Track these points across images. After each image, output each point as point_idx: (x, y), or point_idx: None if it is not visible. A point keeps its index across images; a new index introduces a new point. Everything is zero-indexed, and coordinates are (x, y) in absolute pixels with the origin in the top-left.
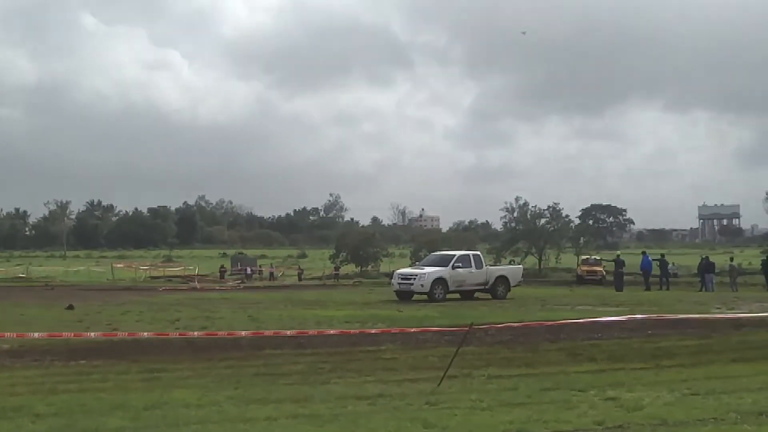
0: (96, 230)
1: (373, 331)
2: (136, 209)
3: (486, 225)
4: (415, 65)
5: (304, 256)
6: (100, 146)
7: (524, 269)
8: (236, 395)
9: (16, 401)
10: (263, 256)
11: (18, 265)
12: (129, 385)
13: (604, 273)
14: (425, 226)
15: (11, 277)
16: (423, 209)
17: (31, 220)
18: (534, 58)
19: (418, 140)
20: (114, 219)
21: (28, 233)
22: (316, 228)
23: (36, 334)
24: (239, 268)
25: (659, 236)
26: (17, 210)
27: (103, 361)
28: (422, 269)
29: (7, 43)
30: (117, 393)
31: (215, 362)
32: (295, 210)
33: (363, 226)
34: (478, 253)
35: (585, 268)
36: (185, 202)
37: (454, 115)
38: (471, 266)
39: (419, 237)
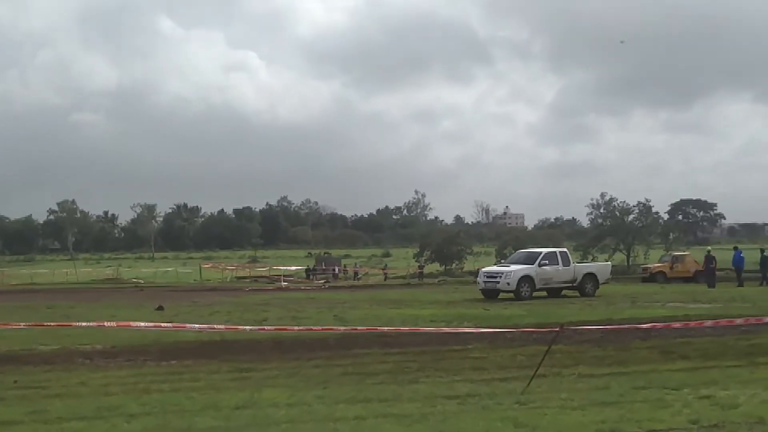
0: (182, 232)
1: (461, 330)
2: (222, 211)
3: (571, 222)
4: (495, 61)
5: (387, 255)
6: (182, 149)
7: (612, 266)
8: (325, 395)
9: (111, 401)
10: (347, 256)
11: (108, 267)
12: (219, 384)
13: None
14: (509, 223)
15: (102, 279)
16: (507, 207)
17: (120, 222)
18: (618, 51)
19: (500, 137)
20: (200, 221)
21: (117, 236)
22: (399, 227)
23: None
24: (324, 267)
25: (751, 231)
26: (106, 213)
27: (194, 361)
28: (508, 267)
29: (87, 48)
30: (208, 392)
31: (303, 362)
32: (378, 209)
33: (446, 225)
34: (565, 250)
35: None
36: (268, 203)
37: (536, 111)
38: (558, 263)
39: (504, 235)
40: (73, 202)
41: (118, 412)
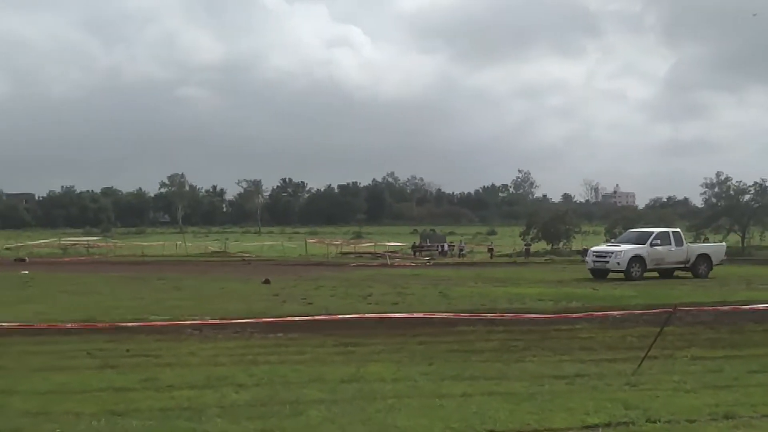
0: (288, 207)
1: (573, 316)
2: (328, 186)
3: (684, 201)
4: (605, 34)
5: (493, 233)
6: (286, 124)
7: (726, 247)
8: (430, 371)
9: (220, 371)
10: (452, 233)
11: (216, 240)
12: (325, 358)
13: None
14: (619, 202)
15: (210, 252)
16: (617, 185)
17: (228, 197)
18: (736, 25)
19: (610, 113)
20: (305, 196)
21: (224, 210)
22: (505, 205)
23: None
24: (429, 244)
25: None
26: (214, 188)
27: (300, 335)
28: (618, 246)
29: (192, 23)
30: (314, 366)
31: (408, 338)
32: (483, 186)
33: (554, 203)
34: (678, 230)
35: None
36: (374, 179)
37: (648, 86)
38: (670, 244)
39: (613, 214)
40: (182, 176)
41: (227, 382)
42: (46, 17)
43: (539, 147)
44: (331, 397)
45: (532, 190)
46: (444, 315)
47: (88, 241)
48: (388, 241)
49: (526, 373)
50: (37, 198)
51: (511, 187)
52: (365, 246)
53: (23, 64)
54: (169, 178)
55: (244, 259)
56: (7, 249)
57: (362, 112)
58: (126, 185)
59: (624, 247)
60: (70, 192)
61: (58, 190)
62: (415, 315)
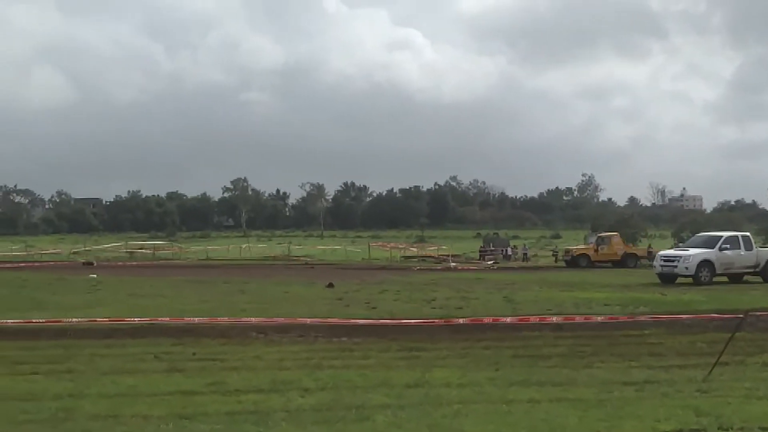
0: (351, 211)
1: (641, 318)
2: (390, 190)
3: (753, 205)
4: (670, 35)
5: (557, 236)
6: (347, 127)
7: None
8: (496, 376)
9: (286, 375)
10: (516, 237)
11: (279, 244)
12: (390, 363)
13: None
14: (686, 206)
15: (273, 256)
16: (684, 188)
17: (291, 201)
18: None
19: (675, 114)
20: (367, 200)
21: (287, 214)
22: (569, 208)
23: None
24: (492, 248)
25: None
26: (277, 191)
27: (364, 339)
28: (686, 251)
29: (253, 28)
30: (379, 370)
31: (473, 342)
32: (547, 190)
33: (619, 206)
34: (747, 234)
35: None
36: (436, 183)
37: (713, 88)
38: (740, 248)
39: (680, 217)
40: (245, 180)
41: (292, 386)
42: (110, 24)
43: (603, 149)
44: (397, 402)
45: (597, 193)
46: (510, 319)
47: (154, 245)
48: (451, 245)
49: (594, 379)
50: (104, 202)
51: (575, 190)
52: (430, 249)
53: (88, 70)
54: (233, 182)
55: (307, 263)
56: (74, 253)
57: (423, 115)
58: (190, 189)
59: (692, 251)
60: (136, 196)
61: (124, 194)
62: (481, 319)
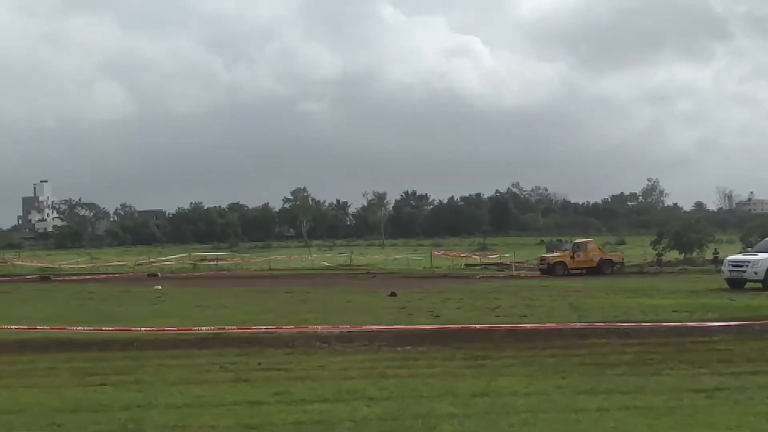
0: (412, 219)
1: (710, 325)
2: (451, 198)
3: None
4: (734, 37)
5: (622, 242)
6: (407, 136)
7: None
8: (564, 384)
9: (350, 384)
10: None
11: (341, 253)
12: (455, 371)
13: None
14: (754, 210)
15: (335, 265)
16: (752, 192)
17: (351, 210)
18: None
19: (741, 117)
20: (428, 208)
21: (348, 223)
22: (634, 214)
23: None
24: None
25: None
26: (338, 201)
27: (428, 348)
28: (755, 255)
29: (310, 38)
30: (445, 379)
31: (539, 351)
32: (611, 195)
33: (685, 211)
34: None
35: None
36: (497, 190)
37: None
38: None
39: (748, 222)
40: (305, 189)
41: (357, 396)
42: (169, 37)
43: (668, 154)
44: (463, 411)
45: (662, 198)
46: (576, 326)
47: (216, 256)
48: (514, 252)
49: (663, 386)
50: (166, 214)
51: (639, 195)
52: (491, 257)
53: (148, 83)
54: (293, 192)
55: (369, 272)
56: (138, 265)
57: (483, 122)
58: (252, 200)
59: (761, 256)
60: (199, 208)
61: (186, 206)
62: (546, 326)
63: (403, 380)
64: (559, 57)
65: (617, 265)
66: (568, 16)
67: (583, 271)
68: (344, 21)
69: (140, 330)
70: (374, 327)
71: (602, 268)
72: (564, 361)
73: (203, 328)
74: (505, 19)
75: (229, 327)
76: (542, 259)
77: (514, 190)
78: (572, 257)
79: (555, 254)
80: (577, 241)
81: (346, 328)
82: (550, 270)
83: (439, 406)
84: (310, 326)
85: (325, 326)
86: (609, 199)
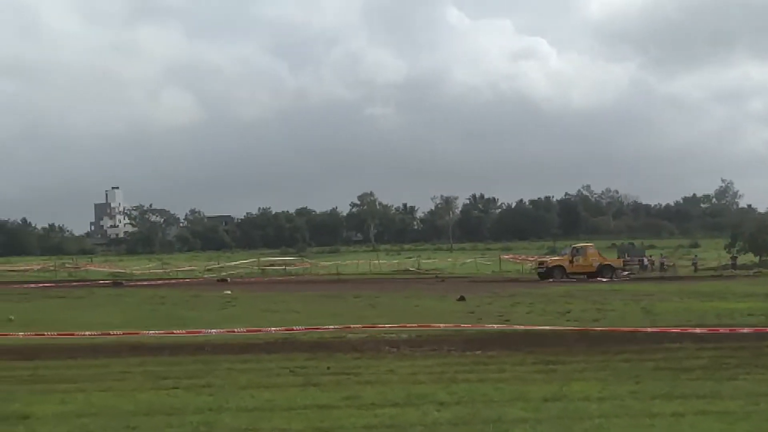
0: (480, 223)
1: None
2: (520, 201)
3: None
4: None
5: (695, 245)
6: (474, 139)
7: None
8: (638, 389)
9: (420, 389)
10: (651, 246)
11: (408, 257)
12: (526, 376)
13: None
14: None
15: (403, 270)
16: None
17: (419, 214)
18: None
19: None
20: (497, 211)
21: (416, 227)
22: (707, 216)
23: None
24: (627, 258)
25: None
26: (405, 205)
27: (498, 352)
28: None
29: (375, 42)
30: (515, 384)
31: (611, 355)
32: (684, 197)
33: (761, 213)
34: None
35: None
36: (566, 193)
37: None
38: None
39: None
40: (371, 194)
41: (427, 400)
42: (235, 44)
43: (742, 154)
44: (535, 416)
45: (736, 200)
46: (650, 330)
47: (284, 260)
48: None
49: (739, 391)
50: (235, 220)
51: (713, 197)
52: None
53: (214, 89)
54: (360, 197)
55: (437, 276)
56: (208, 270)
57: (551, 124)
58: (319, 205)
59: None
60: (267, 213)
61: (254, 211)
62: (619, 329)
63: (473, 385)
64: (628, 57)
65: (617, 270)
66: (637, 15)
67: (583, 275)
68: (409, 24)
69: (210, 332)
70: (442, 325)
71: (602, 273)
72: (638, 365)
73: (272, 328)
74: (572, 20)
75: (298, 327)
76: (541, 263)
77: (584, 192)
78: (571, 261)
79: (554, 258)
80: (576, 245)
81: (414, 326)
82: (548, 273)
83: (510, 410)
84: (379, 325)
85: (393, 324)
86: (681, 201)
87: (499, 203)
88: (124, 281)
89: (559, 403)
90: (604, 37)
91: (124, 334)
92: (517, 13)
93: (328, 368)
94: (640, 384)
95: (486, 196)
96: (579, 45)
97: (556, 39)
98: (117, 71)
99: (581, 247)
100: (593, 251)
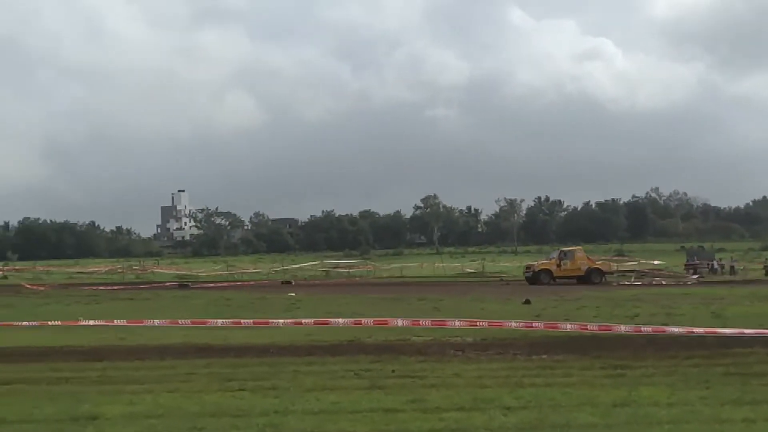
0: (545, 225)
1: None
2: (587, 203)
3: None
4: None
5: (766, 248)
6: (539, 141)
7: None
8: (708, 395)
9: (486, 393)
10: (721, 249)
11: (472, 260)
12: (594, 381)
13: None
14: None
15: (466, 273)
16: None
17: (483, 217)
18: None
19: None
20: (562, 214)
21: (480, 230)
22: None
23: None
24: (696, 261)
25: None
26: (469, 208)
27: (564, 356)
28: None
29: (438, 44)
30: (583, 388)
31: (680, 360)
32: (754, 200)
33: None
34: None
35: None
36: (634, 195)
37: None
38: None
39: None
40: (435, 197)
41: (494, 405)
42: (298, 47)
43: None
44: (603, 421)
45: None
46: (719, 334)
47: (348, 263)
48: (652, 259)
49: None
50: (299, 222)
51: None
52: (629, 264)
53: (277, 92)
54: (423, 199)
55: (501, 279)
56: (273, 272)
57: (618, 125)
58: (382, 207)
59: None
60: (330, 216)
61: (318, 214)
62: (688, 333)
63: (540, 389)
64: (696, 57)
65: (606, 275)
66: (705, 15)
67: (573, 280)
68: (471, 25)
69: (278, 323)
70: (513, 323)
71: (591, 277)
72: (707, 370)
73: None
74: (638, 20)
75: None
76: (528, 267)
77: (653, 194)
78: (558, 265)
79: (541, 261)
80: (564, 249)
81: (483, 324)
82: (535, 278)
83: (578, 415)
84: (448, 320)
85: (461, 319)
86: (752, 204)
87: (564, 205)
88: (190, 283)
89: (628, 409)
90: (671, 37)
91: (192, 323)
92: (581, 13)
93: (393, 371)
94: (709, 389)
95: (551, 199)
96: (645, 45)
97: (621, 39)
98: (181, 75)
99: (569, 251)
100: (582, 255)
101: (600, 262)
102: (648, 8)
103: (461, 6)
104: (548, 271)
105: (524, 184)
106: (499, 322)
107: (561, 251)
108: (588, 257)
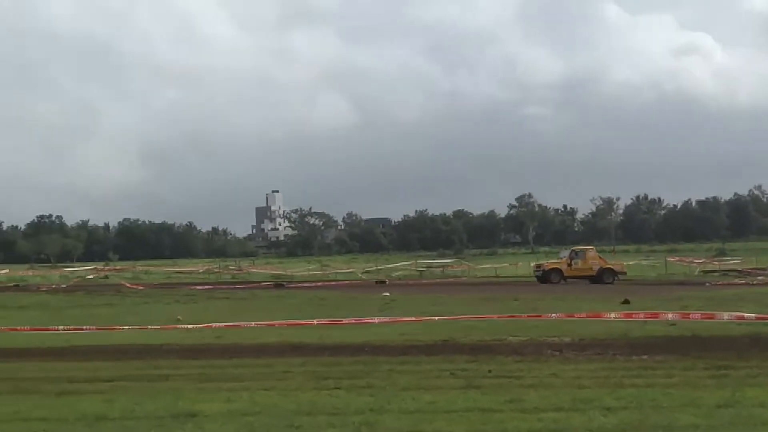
0: (644, 224)
1: None
2: (687, 201)
3: None
4: None
5: None
6: (636, 138)
7: None
8: None
9: (585, 394)
10: None
11: None
12: (696, 381)
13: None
14: None
15: None
16: None
17: (579, 216)
18: None
19: None
20: (662, 213)
21: (576, 229)
22: None
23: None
24: None
25: None
26: (565, 207)
27: (665, 357)
28: None
29: (530, 42)
30: (685, 389)
31: None
32: None
33: None
34: None
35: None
36: (736, 193)
37: None
38: None
39: None
40: (530, 195)
41: (593, 405)
42: (389, 47)
43: None
44: (706, 422)
45: None
46: None
47: (442, 263)
48: (756, 258)
49: None
50: (392, 222)
51: None
52: (732, 263)
53: (369, 93)
54: (517, 198)
55: None
56: (366, 272)
57: (718, 122)
58: (476, 207)
59: None
60: (424, 215)
61: (411, 214)
62: None
63: (641, 390)
64: None
65: (619, 275)
66: None
67: (585, 280)
68: (565, 23)
69: (373, 320)
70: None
71: (602, 277)
72: None
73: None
74: (738, 13)
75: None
76: (538, 266)
77: (756, 192)
78: (569, 265)
79: (552, 261)
80: (576, 248)
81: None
82: (545, 277)
83: (680, 416)
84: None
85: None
86: None
87: (664, 204)
88: (285, 283)
89: (732, 410)
90: None
91: (289, 325)
92: (678, 7)
93: (490, 371)
94: None
95: (650, 197)
96: (746, 39)
97: (720, 34)
98: (274, 76)
99: (581, 250)
100: (593, 254)
101: (613, 262)
102: (747, 1)
103: (555, 2)
104: (558, 271)
105: (620, 182)
106: (598, 313)
107: (572, 250)
108: (600, 257)
